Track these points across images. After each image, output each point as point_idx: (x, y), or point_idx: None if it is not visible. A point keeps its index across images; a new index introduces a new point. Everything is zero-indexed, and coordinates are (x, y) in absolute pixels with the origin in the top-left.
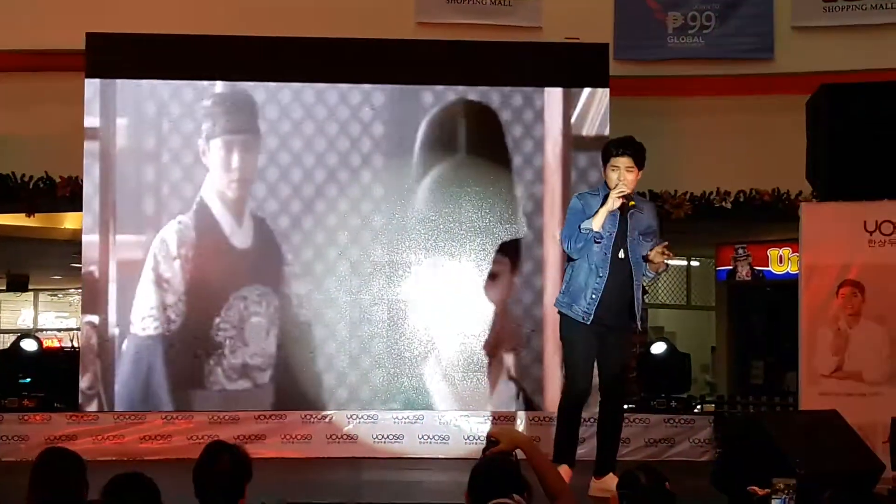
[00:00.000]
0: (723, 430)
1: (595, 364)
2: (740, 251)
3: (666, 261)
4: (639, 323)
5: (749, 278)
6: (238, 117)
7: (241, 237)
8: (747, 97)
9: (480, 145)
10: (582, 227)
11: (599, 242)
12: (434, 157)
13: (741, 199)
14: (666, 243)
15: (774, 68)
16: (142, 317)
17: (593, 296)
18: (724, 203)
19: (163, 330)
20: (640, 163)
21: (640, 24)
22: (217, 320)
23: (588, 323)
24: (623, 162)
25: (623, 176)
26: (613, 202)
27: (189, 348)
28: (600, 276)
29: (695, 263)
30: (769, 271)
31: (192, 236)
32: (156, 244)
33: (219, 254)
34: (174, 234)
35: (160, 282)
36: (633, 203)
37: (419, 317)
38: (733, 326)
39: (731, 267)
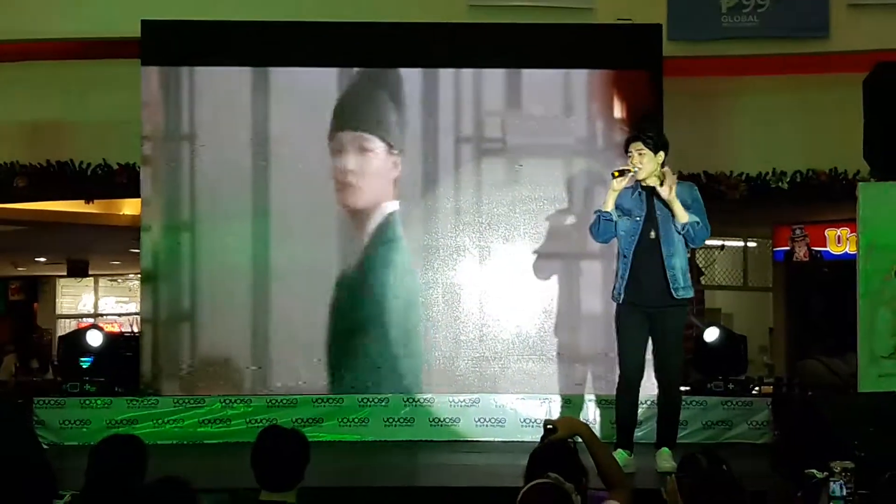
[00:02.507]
0: (781, 413)
1: (644, 346)
2: (798, 232)
3: (667, 186)
4: (675, 294)
5: (807, 259)
6: None
7: None
8: (803, 76)
9: None
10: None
11: (610, 221)
12: None
13: (798, 180)
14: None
15: (830, 46)
16: None
17: (621, 277)
18: (780, 184)
19: None
20: (651, 145)
21: (694, 4)
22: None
23: (620, 303)
24: (634, 146)
25: (634, 158)
26: (611, 182)
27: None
28: (625, 258)
29: (752, 244)
30: (827, 252)
31: None
32: None
33: None
34: None
35: None
36: (630, 171)
37: (474, 299)
38: (791, 307)
39: (788, 248)
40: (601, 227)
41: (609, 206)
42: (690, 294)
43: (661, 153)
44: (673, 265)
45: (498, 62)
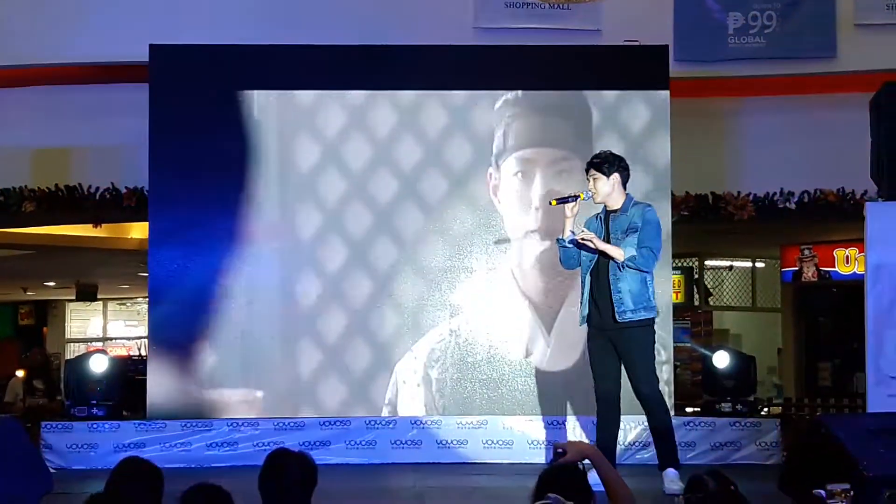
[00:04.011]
0: (790, 433)
1: (615, 368)
2: (806, 252)
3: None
4: (618, 318)
5: (815, 279)
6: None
7: None
8: (810, 96)
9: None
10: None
11: (566, 248)
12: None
13: (805, 200)
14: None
15: (837, 67)
16: None
17: (581, 300)
18: (787, 204)
19: None
20: (603, 169)
21: (700, 25)
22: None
23: (585, 325)
24: (588, 173)
25: (589, 184)
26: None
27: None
28: (583, 282)
29: (760, 265)
30: (835, 272)
31: None
32: None
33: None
34: None
35: None
36: (573, 196)
37: (482, 321)
38: (800, 328)
39: (796, 268)
40: (561, 255)
41: (566, 234)
42: (643, 316)
43: (616, 175)
44: (619, 289)
45: (504, 84)
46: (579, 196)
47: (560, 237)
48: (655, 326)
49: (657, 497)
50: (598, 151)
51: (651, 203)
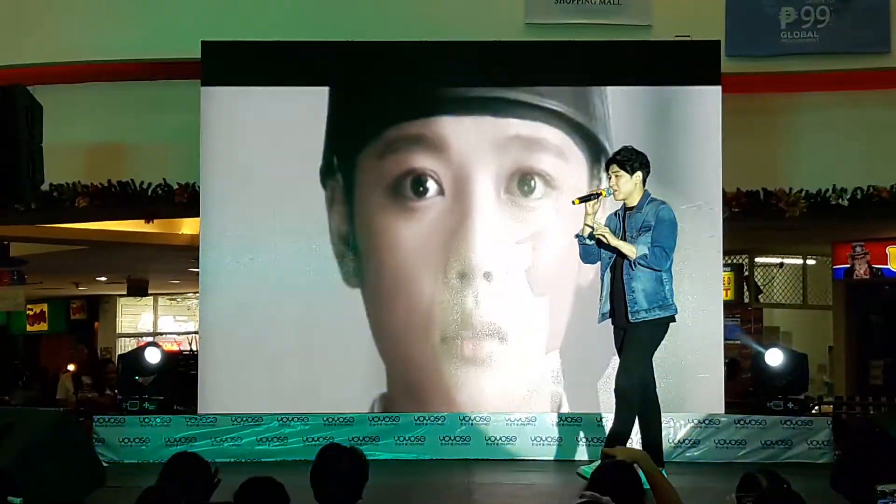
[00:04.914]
0: (842, 432)
1: None
2: (858, 249)
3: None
4: (631, 317)
5: (867, 276)
6: None
7: None
8: (863, 92)
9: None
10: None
11: (584, 245)
12: None
13: (858, 196)
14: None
15: (891, 62)
16: None
17: (601, 297)
18: (840, 200)
19: None
20: (626, 167)
21: (752, 20)
22: None
23: (610, 321)
24: (611, 169)
25: (611, 181)
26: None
27: None
28: (602, 279)
29: (811, 262)
30: (888, 269)
31: None
32: None
33: None
34: None
35: None
36: (595, 194)
37: (535, 318)
38: (851, 326)
39: (848, 265)
40: (580, 251)
41: (586, 231)
42: (658, 315)
43: (639, 173)
44: (633, 288)
45: (555, 80)
46: (601, 193)
47: (579, 233)
48: (707, 325)
49: (707, 496)
50: (620, 147)
51: (665, 201)
